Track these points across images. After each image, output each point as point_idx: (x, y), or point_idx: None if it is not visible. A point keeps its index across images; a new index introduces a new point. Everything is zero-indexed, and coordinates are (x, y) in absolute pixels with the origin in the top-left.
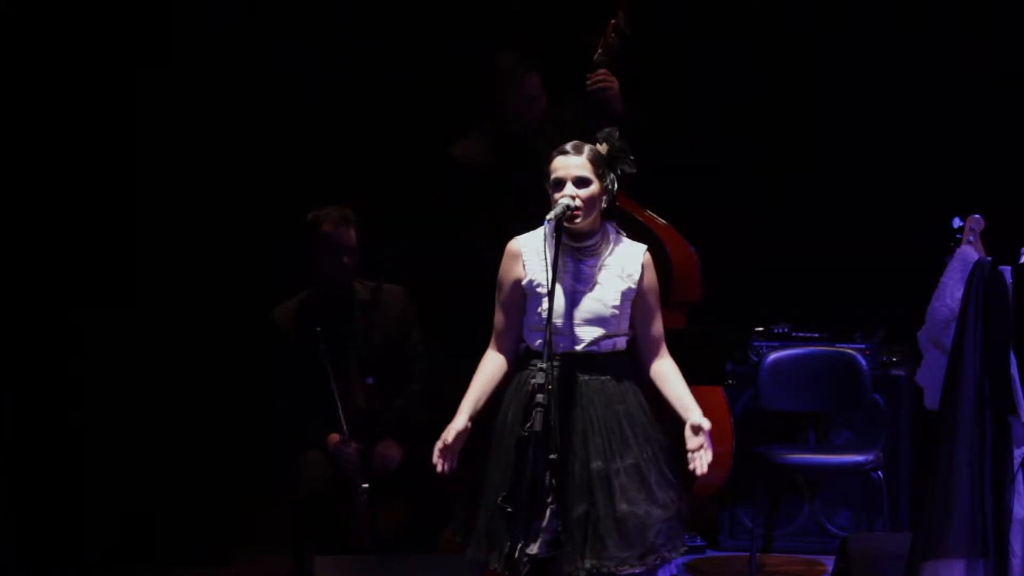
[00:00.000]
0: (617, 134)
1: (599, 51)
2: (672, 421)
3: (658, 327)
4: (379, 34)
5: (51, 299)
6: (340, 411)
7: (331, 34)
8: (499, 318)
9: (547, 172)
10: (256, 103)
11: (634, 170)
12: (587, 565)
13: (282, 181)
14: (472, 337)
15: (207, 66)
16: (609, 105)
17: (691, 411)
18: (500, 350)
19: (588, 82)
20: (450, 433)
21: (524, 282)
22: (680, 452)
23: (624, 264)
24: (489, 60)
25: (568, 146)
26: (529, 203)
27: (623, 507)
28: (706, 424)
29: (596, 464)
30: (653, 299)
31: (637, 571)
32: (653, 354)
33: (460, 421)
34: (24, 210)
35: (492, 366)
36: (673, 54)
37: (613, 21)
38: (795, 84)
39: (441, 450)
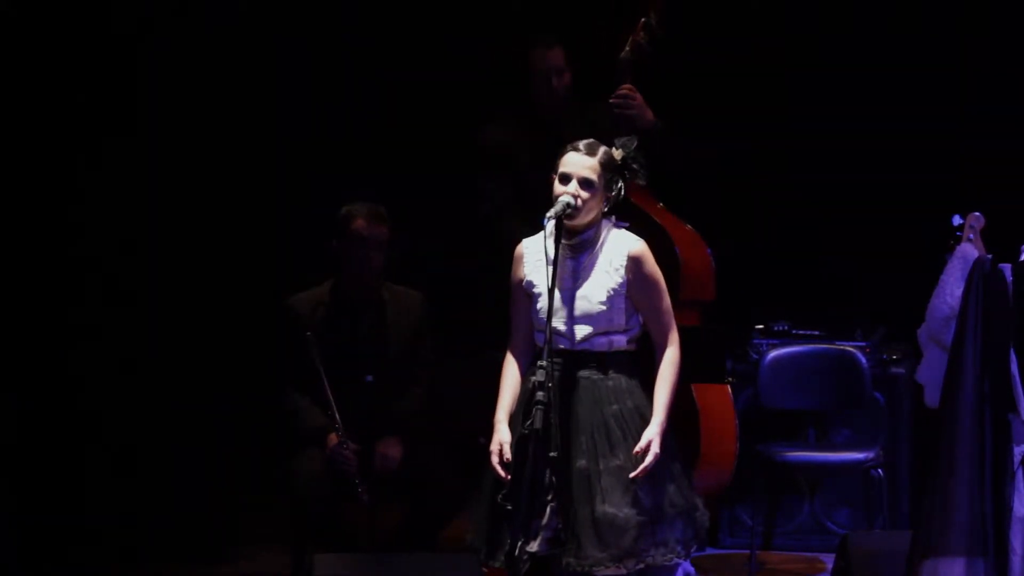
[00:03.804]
0: (635, 143)
1: (626, 49)
2: (678, 427)
3: (658, 319)
4: (406, 28)
5: (52, 298)
6: (336, 413)
7: (336, 28)
8: (512, 322)
9: (556, 163)
10: (262, 100)
11: (644, 182)
12: (564, 563)
13: (288, 179)
14: (476, 336)
15: (213, 54)
16: (632, 123)
17: (654, 417)
18: (516, 353)
19: (611, 99)
20: (506, 448)
21: (523, 283)
22: (687, 455)
23: (612, 258)
24: (518, 42)
25: (582, 144)
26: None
27: (602, 508)
28: (647, 439)
29: (579, 463)
30: (648, 290)
31: (620, 573)
32: (657, 347)
33: (505, 433)
34: (25, 208)
35: (513, 372)
36: (681, 55)
37: (643, 20)
38: (796, 83)
39: (502, 464)
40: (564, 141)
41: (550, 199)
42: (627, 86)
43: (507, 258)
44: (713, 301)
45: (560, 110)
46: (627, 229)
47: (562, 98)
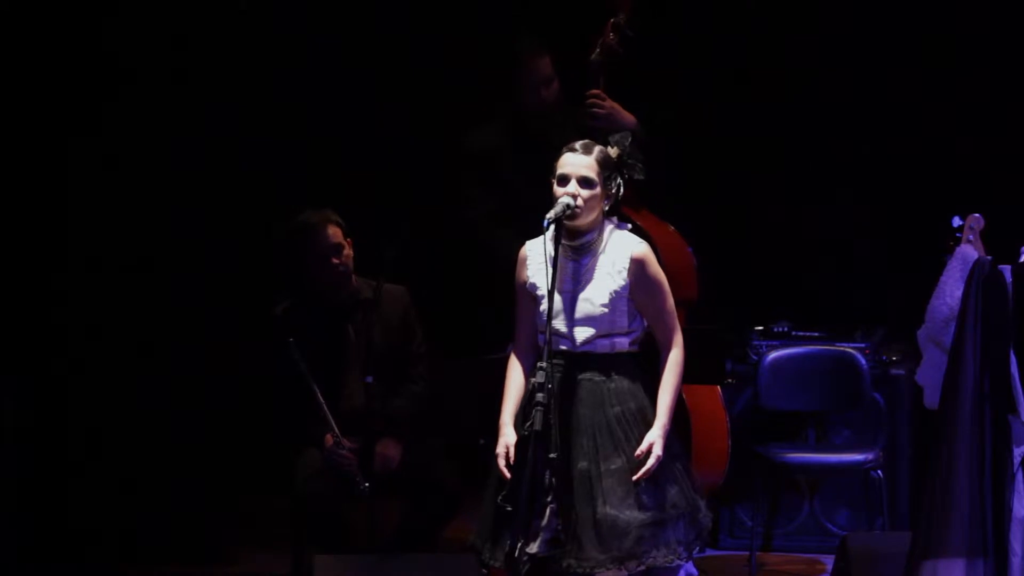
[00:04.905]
0: (629, 139)
1: (596, 51)
2: (678, 427)
3: (662, 321)
4: (379, 28)
5: (50, 298)
6: (328, 414)
7: (329, 27)
8: (516, 323)
9: (554, 167)
10: (255, 99)
11: (642, 177)
12: (564, 564)
13: (286, 177)
14: (474, 334)
15: (211, 53)
16: (604, 129)
17: (657, 419)
18: (520, 355)
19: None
20: (512, 451)
21: (527, 285)
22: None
23: (614, 260)
24: (506, 47)
25: (578, 144)
26: (536, 193)
27: (603, 510)
28: (649, 442)
29: (581, 464)
30: (652, 292)
31: (621, 574)
32: (661, 348)
33: (511, 435)
34: (21, 207)
35: (517, 374)
36: (672, 53)
37: (612, 20)
38: (795, 82)
39: (508, 467)
40: (551, 145)
41: (537, 204)
42: (595, 91)
43: (497, 264)
44: (696, 301)
45: (547, 116)
46: (629, 231)
47: (549, 105)
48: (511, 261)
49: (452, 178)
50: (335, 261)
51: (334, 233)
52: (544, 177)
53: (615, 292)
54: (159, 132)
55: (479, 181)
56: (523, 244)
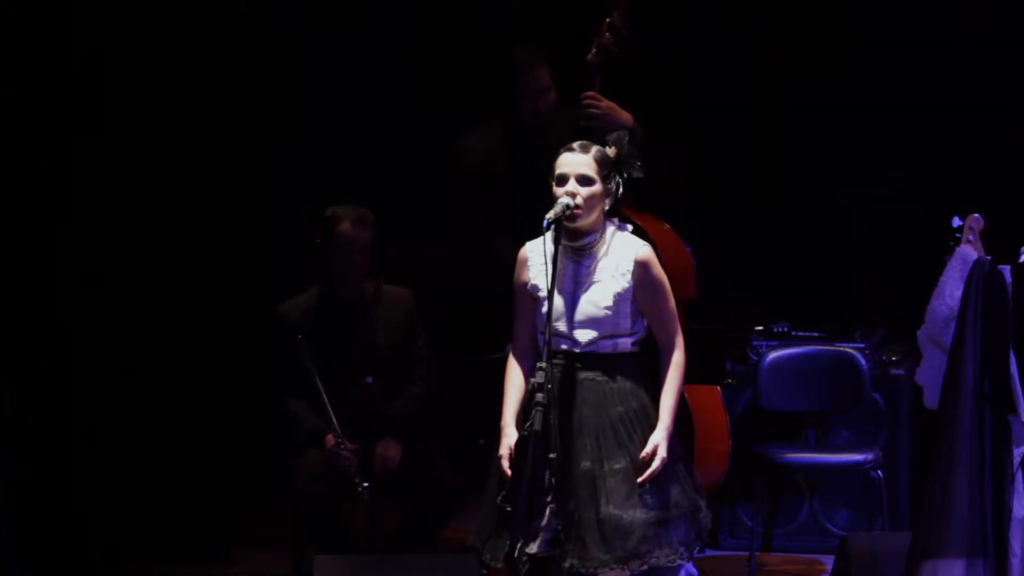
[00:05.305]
0: (627, 138)
1: (593, 51)
2: (680, 427)
3: (664, 323)
4: (382, 30)
5: (49, 297)
6: (331, 413)
7: (333, 27)
8: (516, 324)
9: (552, 168)
10: (257, 99)
11: (641, 175)
12: (567, 564)
13: (286, 177)
14: (473, 336)
15: (207, 56)
16: (600, 130)
17: (660, 421)
18: (520, 356)
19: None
20: (513, 453)
21: (528, 286)
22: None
23: (618, 263)
24: (504, 53)
25: (576, 144)
26: (532, 199)
27: (607, 510)
28: (654, 443)
29: (584, 464)
30: (654, 295)
31: (624, 574)
32: (662, 350)
33: (513, 436)
34: (20, 207)
35: (517, 375)
36: (671, 53)
37: (608, 20)
38: (795, 83)
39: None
40: (547, 152)
41: (533, 210)
42: (590, 93)
43: (494, 267)
44: (695, 301)
45: (543, 123)
46: (630, 232)
47: (545, 114)
48: (509, 265)
49: (450, 183)
50: (359, 260)
51: (366, 233)
52: (540, 184)
53: (618, 295)
54: (159, 132)
55: (474, 186)
56: (521, 247)
